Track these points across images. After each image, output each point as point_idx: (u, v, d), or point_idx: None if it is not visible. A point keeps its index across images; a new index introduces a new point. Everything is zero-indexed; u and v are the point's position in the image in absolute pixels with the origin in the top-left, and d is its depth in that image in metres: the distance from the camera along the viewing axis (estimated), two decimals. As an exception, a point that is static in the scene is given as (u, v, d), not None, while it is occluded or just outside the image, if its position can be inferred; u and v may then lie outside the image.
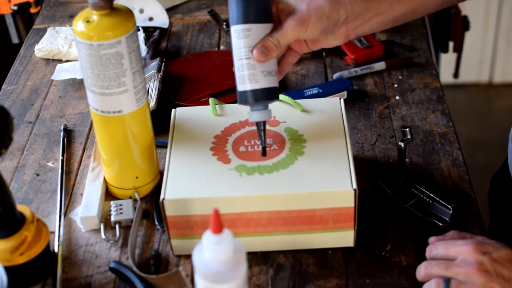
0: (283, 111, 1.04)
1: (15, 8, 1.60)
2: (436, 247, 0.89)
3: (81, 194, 1.05)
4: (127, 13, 0.93)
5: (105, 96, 0.95)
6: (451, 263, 0.85)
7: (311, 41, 1.00)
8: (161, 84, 1.21)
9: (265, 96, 0.96)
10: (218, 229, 0.74)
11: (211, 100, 1.05)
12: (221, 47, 1.39)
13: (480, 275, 0.82)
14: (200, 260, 0.76)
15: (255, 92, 0.95)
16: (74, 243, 0.99)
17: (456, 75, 1.78)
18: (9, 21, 1.63)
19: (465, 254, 0.85)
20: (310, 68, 1.31)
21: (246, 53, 0.95)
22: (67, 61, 1.35)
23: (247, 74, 0.95)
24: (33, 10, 1.59)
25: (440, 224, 0.97)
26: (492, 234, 1.17)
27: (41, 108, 1.24)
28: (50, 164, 1.12)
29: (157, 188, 1.04)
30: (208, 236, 0.75)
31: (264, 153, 0.96)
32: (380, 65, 1.28)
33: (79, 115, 1.22)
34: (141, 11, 1.45)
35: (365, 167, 1.08)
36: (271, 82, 0.96)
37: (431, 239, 0.92)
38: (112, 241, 0.98)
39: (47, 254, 0.93)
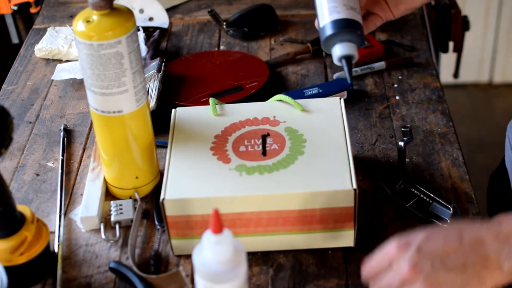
0: (283, 111, 1.04)
1: (15, 8, 1.60)
2: (369, 265, 0.81)
3: (81, 194, 1.06)
4: (127, 13, 0.93)
5: (105, 96, 0.95)
6: (388, 276, 0.78)
7: (393, 3, 0.97)
8: (161, 84, 1.21)
9: (348, 25, 0.88)
10: (218, 229, 0.74)
11: (211, 100, 1.05)
12: (221, 47, 1.39)
13: (414, 279, 0.75)
14: (200, 260, 0.76)
15: (337, 22, 0.88)
16: (74, 243, 0.99)
17: (456, 75, 1.78)
18: (9, 21, 1.63)
19: (393, 258, 0.78)
20: (310, 68, 1.31)
21: None
22: (67, 61, 1.35)
23: (328, 7, 0.89)
24: (33, 10, 1.59)
25: (440, 224, 0.97)
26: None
27: (41, 108, 1.24)
28: (50, 164, 1.12)
29: (157, 188, 1.04)
30: (208, 236, 0.75)
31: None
32: (380, 65, 1.28)
33: (79, 115, 1.22)
34: (141, 11, 1.45)
35: (365, 167, 1.08)
36: (354, 16, 0.90)
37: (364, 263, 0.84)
38: (112, 241, 0.98)
39: (47, 254, 0.93)
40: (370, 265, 0.80)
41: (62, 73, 1.27)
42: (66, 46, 1.35)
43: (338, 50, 0.89)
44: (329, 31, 0.89)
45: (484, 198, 1.32)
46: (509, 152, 1.14)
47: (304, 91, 1.21)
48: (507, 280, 0.76)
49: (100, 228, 1.00)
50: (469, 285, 0.76)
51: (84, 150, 1.15)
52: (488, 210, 1.30)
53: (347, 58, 0.90)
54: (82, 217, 1.00)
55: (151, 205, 1.04)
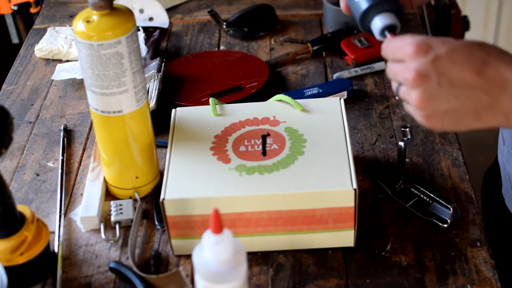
0: (283, 111, 1.04)
1: (15, 8, 1.60)
2: (386, 47, 0.79)
3: (81, 194, 1.06)
4: (127, 13, 0.93)
5: (105, 96, 0.95)
6: (396, 68, 0.76)
7: None
8: (161, 84, 1.21)
9: None
10: (218, 229, 0.74)
11: (211, 100, 1.05)
12: (221, 47, 1.39)
13: (417, 85, 0.74)
14: (200, 260, 0.76)
15: None
16: (74, 243, 0.99)
17: (456, 75, 1.78)
18: (9, 21, 1.63)
19: (408, 56, 0.75)
20: (310, 68, 1.31)
21: None
22: (67, 61, 1.35)
23: None
24: (33, 10, 1.59)
25: (440, 224, 0.97)
26: (490, 229, 1.16)
27: (41, 108, 1.24)
28: (50, 164, 1.12)
29: (157, 188, 1.04)
30: (208, 236, 0.75)
31: None
32: (380, 65, 1.28)
33: (79, 115, 1.22)
34: (141, 11, 1.45)
35: (365, 167, 1.08)
36: None
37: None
38: (112, 241, 0.98)
39: (47, 254, 0.93)
40: (389, 46, 0.78)
41: (62, 73, 1.27)
42: (66, 46, 1.35)
43: (379, 22, 0.85)
44: (365, 4, 0.85)
45: (483, 198, 1.32)
46: (502, 146, 1.14)
47: (304, 91, 1.21)
48: (507, 126, 0.75)
49: (100, 228, 1.00)
50: (465, 118, 0.74)
51: (84, 150, 1.15)
52: (483, 208, 1.30)
53: (391, 28, 0.85)
54: (82, 217, 1.00)
55: (151, 205, 1.04)
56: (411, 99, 0.75)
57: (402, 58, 0.76)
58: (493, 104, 0.73)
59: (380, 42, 1.31)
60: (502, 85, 0.73)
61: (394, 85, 0.79)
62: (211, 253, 0.75)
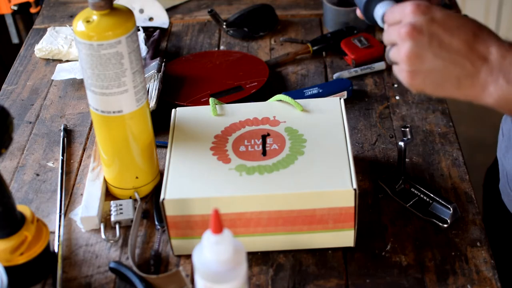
0: (283, 111, 1.04)
1: (15, 8, 1.60)
2: (388, 13, 0.82)
3: (81, 194, 1.06)
4: (127, 13, 0.93)
5: (105, 96, 0.95)
6: (393, 28, 0.80)
7: None
8: (161, 84, 1.21)
9: None
10: (218, 229, 0.74)
11: (211, 100, 1.05)
12: (221, 47, 1.39)
13: (409, 38, 0.76)
14: (200, 260, 0.76)
15: None
16: (74, 243, 0.99)
17: (456, 75, 1.78)
18: (9, 21, 1.63)
19: (406, 15, 0.78)
20: (310, 68, 1.31)
21: None
22: (67, 61, 1.35)
23: None
24: (33, 10, 1.59)
25: (440, 224, 0.97)
26: (490, 229, 1.16)
27: (41, 108, 1.24)
28: (50, 164, 1.12)
29: (157, 188, 1.04)
30: (208, 236, 0.75)
31: None
32: (380, 65, 1.28)
33: (79, 115, 1.22)
34: (141, 11, 1.45)
35: (365, 167, 1.08)
36: None
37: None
38: (112, 241, 0.98)
39: (47, 254, 0.93)
40: (390, 10, 0.81)
41: (62, 73, 1.27)
42: (66, 46, 1.35)
43: (380, 9, 0.88)
44: None
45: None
46: (500, 140, 1.14)
47: (304, 91, 1.21)
48: (480, 100, 0.77)
49: (100, 228, 1.00)
50: (446, 83, 0.77)
51: (84, 150, 1.15)
52: (483, 205, 1.30)
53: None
54: (82, 217, 1.00)
55: (151, 205, 1.04)
56: (400, 54, 0.78)
57: (400, 18, 0.79)
58: (474, 74, 0.77)
59: (380, 42, 1.32)
60: (485, 59, 0.76)
61: (387, 49, 0.81)
62: (211, 253, 0.75)
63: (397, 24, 0.80)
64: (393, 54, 0.80)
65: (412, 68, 0.78)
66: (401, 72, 0.80)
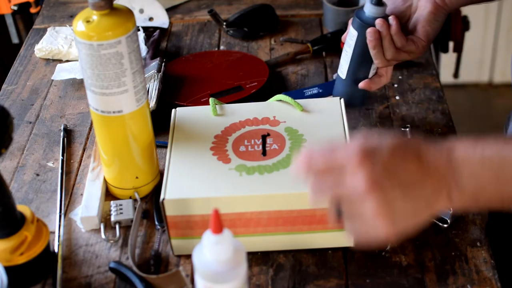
0: (283, 111, 1.04)
1: (15, 8, 1.60)
2: (314, 159, 0.75)
3: (81, 194, 1.05)
4: (127, 13, 0.93)
5: (105, 96, 0.95)
6: (337, 183, 0.73)
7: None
8: (161, 84, 1.21)
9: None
10: (218, 229, 0.74)
11: (211, 100, 1.05)
12: (221, 47, 1.39)
13: (372, 193, 0.71)
14: (200, 260, 0.76)
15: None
16: (74, 243, 0.99)
17: (456, 75, 1.78)
18: (9, 21, 1.63)
19: (351, 166, 0.72)
20: (310, 68, 1.31)
21: None
22: (67, 61, 1.35)
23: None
24: (33, 10, 1.59)
25: (440, 224, 0.97)
26: (490, 229, 1.16)
27: (41, 108, 1.24)
28: (50, 164, 1.12)
29: (157, 188, 1.04)
30: (208, 236, 0.75)
31: None
32: (380, 65, 1.28)
33: (79, 115, 1.22)
34: (141, 11, 1.45)
35: (365, 167, 1.08)
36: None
37: (304, 152, 0.76)
38: (112, 241, 0.98)
39: (47, 254, 0.93)
40: (316, 158, 0.74)
41: (62, 73, 1.27)
42: (66, 46, 1.35)
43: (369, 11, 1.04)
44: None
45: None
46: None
47: (304, 91, 1.21)
48: (455, 206, 0.75)
49: (100, 228, 1.00)
50: (420, 211, 0.74)
51: (84, 150, 1.15)
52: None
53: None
54: (82, 217, 1.00)
55: (151, 205, 1.04)
56: (368, 211, 0.72)
57: (339, 165, 0.73)
58: (437, 191, 0.74)
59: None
60: (437, 171, 0.73)
61: (328, 203, 0.75)
62: (211, 253, 0.75)
63: (338, 173, 0.73)
64: (351, 210, 0.74)
65: (390, 219, 0.72)
66: (376, 227, 0.73)
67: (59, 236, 0.98)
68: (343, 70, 1.10)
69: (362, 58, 1.07)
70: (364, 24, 1.04)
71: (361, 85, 1.08)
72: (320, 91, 1.21)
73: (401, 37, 1.02)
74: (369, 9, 1.04)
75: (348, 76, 1.10)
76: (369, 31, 1.02)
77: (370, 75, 1.09)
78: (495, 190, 0.74)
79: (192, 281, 0.91)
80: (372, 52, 1.04)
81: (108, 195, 1.05)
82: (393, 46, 1.02)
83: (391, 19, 1.02)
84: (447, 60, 1.95)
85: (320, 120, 1.01)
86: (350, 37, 1.07)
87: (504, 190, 0.73)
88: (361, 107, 1.07)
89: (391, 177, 0.72)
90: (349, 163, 0.72)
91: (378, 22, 1.02)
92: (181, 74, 1.28)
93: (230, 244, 0.75)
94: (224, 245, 0.74)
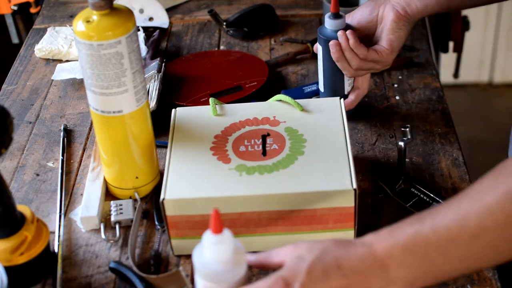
0: (283, 111, 1.04)
1: (15, 8, 1.60)
2: None
3: (81, 194, 1.06)
4: (127, 13, 0.93)
5: (105, 96, 0.95)
6: None
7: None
8: (161, 85, 1.21)
9: None
10: (218, 229, 0.74)
11: (211, 100, 1.05)
12: (221, 47, 1.39)
13: None
14: (200, 260, 0.76)
15: None
16: (74, 243, 0.99)
17: (456, 75, 1.78)
18: (9, 21, 1.63)
19: None
20: (310, 68, 1.31)
21: None
22: (67, 61, 1.35)
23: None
24: (33, 10, 1.59)
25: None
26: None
27: (41, 108, 1.24)
28: (50, 164, 1.12)
29: (157, 188, 1.04)
30: (208, 236, 0.75)
31: None
32: (380, 65, 1.28)
33: (79, 115, 1.22)
34: (141, 11, 1.45)
35: (365, 167, 1.08)
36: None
37: None
38: (112, 241, 0.98)
39: (47, 254, 0.93)
40: None
41: (62, 73, 1.27)
42: (66, 46, 1.35)
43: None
44: None
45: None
46: None
47: (303, 88, 1.21)
48: None
49: (100, 228, 1.00)
50: None
51: (84, 150, 1.15)
52: None
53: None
54: (82, 217, 1.00)
55: (151, 205, 1.04)
56: None
57: None
58: None
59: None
60: (362, 274, 0.74)
61: None
62: (211, 253, 0.75)
63: None
64: None
65: None
66: None
67: (59, 236, 0.98)
68: (320, 84, 1.14)
69: (332, 71, 1.11)
70: (326, 39, 1.09)
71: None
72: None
73: (362, 48, 1.05)
74: (328, 23, 1.09)
75: (325, 89, 1.14)
76: (331, 44, 1.07)
77: (347, 85, 1.12)
78: (426, 273, 0.74)
79: (192, 281, 0.91)
80: (338, 64, 1.08)
81: (108, 195, 1.05)
82: (356, 57, 1.06)
83: (348, 33, 1.06)
84: (447, 60, 1.95)
85: (320, 120, 1.01)
86: (319, 53, 1.11)
87: (434, 271, 0.73)
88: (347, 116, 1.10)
89: None
90: None
91: (339, 34, 1.06)
92: (181, 74, 1.28)
93: (230, 244, 0.75)
94: (224, 245, 0.74)
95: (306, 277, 0.74)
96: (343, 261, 0.74)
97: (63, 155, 1.12)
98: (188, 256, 0.94)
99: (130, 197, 1.04)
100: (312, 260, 0.75)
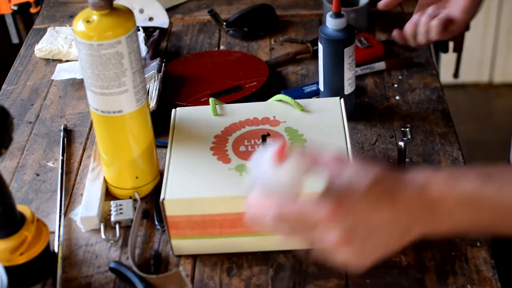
0: (283, 111, 1.04)
1: (15, 8, 1.60)
2: (285, 212, 0.74)
3: (81, 194, 1.06)
4: (127, 13, 0.93)
5: (105, 96, 0.95)
6: (310, 234, 0.73)
7: None
8: (161, 85, 1.21)
9: None
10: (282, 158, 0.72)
11: (211, 100, 1.05)
12: (221, 47, 1.39)
13: (345, 250, 0.72)
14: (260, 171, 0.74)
15: None
16: (74, 243, 0.99)
17: (456, 75, 1.78)
18: (9, 21, 1.63)
19: (323, 223, 0.72)
20: (310, 68, 1.31)
21: None
22: (67, 61, 1.35)
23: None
24: (33, 10, 1.59)
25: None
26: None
27: (41, 108, 1.24)
28: (50, 164, 1.12)
29: (157, 188, 1.04)
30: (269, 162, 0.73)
31: None
32: (380, 65, 1.28)
33: (79, 115, 1.22)
34: (141, 11, 1.45)
35: (365, 167, 1.08)
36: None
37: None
38: (112, 241, 0.98)
39: (47, 254, 0.93)
40: (287, 211, 0.74)
41: (62, 73, 1.27)
42: (66, 46, 1.35)
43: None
44: None
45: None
46: None
47: (304, 88, 1.21)
48: (430, 237, 0.76)
49: (100, 228, 1.00)
50: (392, 245, 0.74)
51: (84, 150, 1.15)
52: None
53: None
54: (82, 217, 1.00)
55: (151, 205, 1.04)
56: (341, 258, 0.74)
57: (314, 221, 0.73)
58: (410, 228, 0.74)
59: (380, 42, 1.31)
60: (410, 213, 0.74)
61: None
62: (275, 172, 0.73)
63: (315, 228, 0.73)
64: (328, 248, 0.74)
65: (358, 262, 0.74)
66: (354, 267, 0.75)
67: (59, 236, 0.98)
68: (320, 83, 1.15)
69: (332, 71, 1.12)
70: (327, 38, 1.10)
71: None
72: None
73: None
74: (330, 22, 1.10)
75: (325, 88, 1.14)
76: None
77: (346, 85, 1.13)
78: (472, 226, 0.74)
79: (192, 281, 0.91)
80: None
81: (108, 195, 1.05)
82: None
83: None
84: (447, 60, 1.95)
85: (320, 120, 1.01)
86: (319, 52, 1.12)
87: (482, 225, 0.74)
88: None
89: (362, 226, 0.72)
90: (321, 219, 0.72)
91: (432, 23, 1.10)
92: (181, 74, 1.28)
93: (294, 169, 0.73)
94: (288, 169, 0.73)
95: (361, 201, 0.73)
96: (396, 195, 0.73)
97: (63, 155, 1.12)
98: (188, 256, 0.94)
99: (130, 197, 1.04)
100: (370, 183, 0.73)
